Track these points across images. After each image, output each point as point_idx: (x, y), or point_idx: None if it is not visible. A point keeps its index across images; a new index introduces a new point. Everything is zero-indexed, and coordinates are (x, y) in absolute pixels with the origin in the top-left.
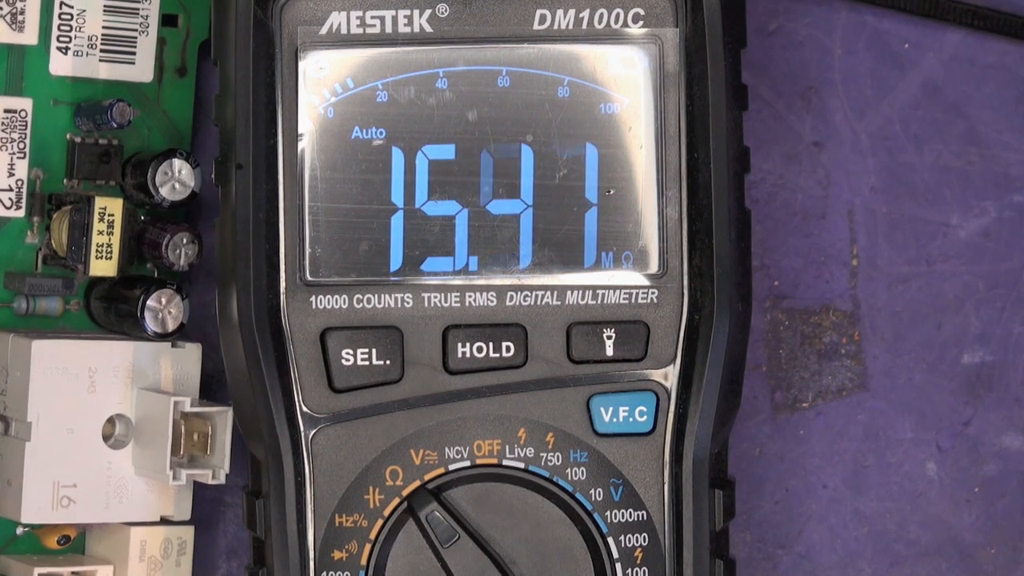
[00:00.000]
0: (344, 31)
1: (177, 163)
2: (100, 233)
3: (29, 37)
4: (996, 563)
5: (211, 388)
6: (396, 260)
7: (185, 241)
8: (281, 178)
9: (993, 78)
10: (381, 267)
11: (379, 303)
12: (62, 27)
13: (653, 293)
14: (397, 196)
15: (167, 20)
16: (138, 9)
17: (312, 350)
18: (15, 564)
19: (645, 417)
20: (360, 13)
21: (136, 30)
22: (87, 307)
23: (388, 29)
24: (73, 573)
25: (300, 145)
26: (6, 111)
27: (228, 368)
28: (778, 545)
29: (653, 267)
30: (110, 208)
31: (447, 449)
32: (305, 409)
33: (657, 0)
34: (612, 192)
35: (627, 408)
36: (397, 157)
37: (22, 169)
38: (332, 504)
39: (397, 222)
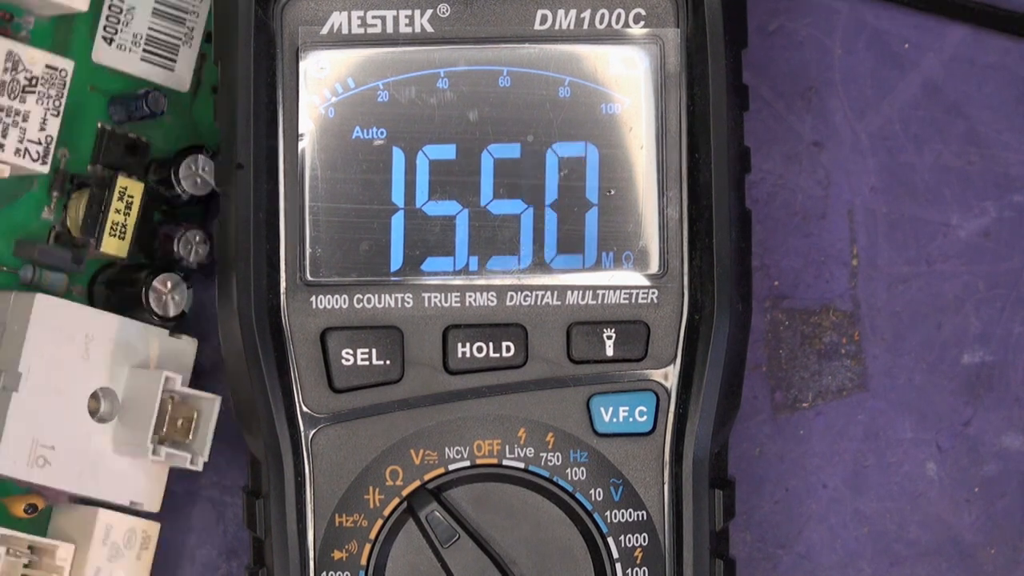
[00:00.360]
0: (345, 31)
1: (202, 159)
2: (117, 212)
3: (81, 3)
4: (996, 563)
5: (199, 386)
6: (396, 260)
7: (198, 239)
8: (282, 178)
9: (993, 78)
10: (381, 267)
11: (379, 303)
12: (110, 18)
13: (653, 293)
14: (398, 196)
15: (211, 37)
16: (185, 19)
17: (312, 350)
18: None
19: (645, 417)
20: (361, 13)
21: (180, 39)
22: (89, 293)
23: (389, 29)
24: (33, 546)
25: (301, 145)
26: (48, 66)
27: (228, 367)
28: (778, 545)
29: (653, 267)
30: (131, 190)
31: (447, 449)
32: (305, 409)
33: (658, 0)
34: (613, 192)
35: (627, 408)
36: (398, 157)
37: (53, 126)
38: (332, 504)
39: (397, 222)
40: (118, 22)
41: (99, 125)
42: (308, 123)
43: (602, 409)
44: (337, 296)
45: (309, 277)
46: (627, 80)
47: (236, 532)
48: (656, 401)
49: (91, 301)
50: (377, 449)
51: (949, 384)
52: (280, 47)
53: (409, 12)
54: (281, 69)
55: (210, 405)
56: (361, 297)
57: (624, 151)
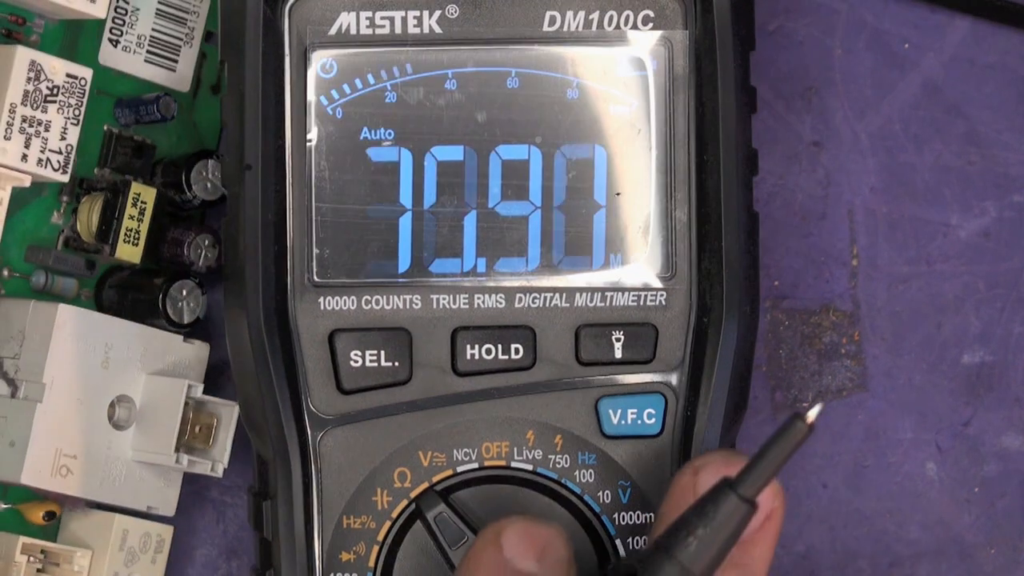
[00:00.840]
0: (353, 31)
1: (212, 164)
2: (131, 218)
3: (99, 10)
4: (996, 563)
5: (207, 389)
6: (404, 261)
7: (207, 243)
8: (289, 179)
9: (993, 78)
10: (389, 268)
11: (387, 304)
12: (116, 20)
13: (662, 295)
14: (405, 197)
15: (209, 36)
16: (186, 19)
17: (320, 351)
18: (2, 536)
19: (653, 419)
20: (369, 14)
21: (182, 39)
22: (97, 297)
23: (397, 30)
24: (51, 552)
25: (308, 146)
26: (68, 75)
27: (235, 369)
28: (778, 545)
29: (662, 269)
30: (144, 196)
31: (455, 451)
32: (313, 410)
33: (667, 2)
34: (620, 194)
35: (635, 410)
36: (405, 158)
37: (73, 135)
38: (340, 505)
39: (405, 223)
40: (123, 23)
41: (105, 128)
42: (316, 124)
43: (610, 411)
44: (345, 297)
45: (317, 278)
46: (635, 82)
47: (236, 532)
48: (664, 403)
49: (99, 305)
50: (385, 451)
51: (949, 384)
52: (288, 47)
53: (417, 13)
54: (289, 69)
55: (228, 412)
56: (369, 299)
57: (632, 153)
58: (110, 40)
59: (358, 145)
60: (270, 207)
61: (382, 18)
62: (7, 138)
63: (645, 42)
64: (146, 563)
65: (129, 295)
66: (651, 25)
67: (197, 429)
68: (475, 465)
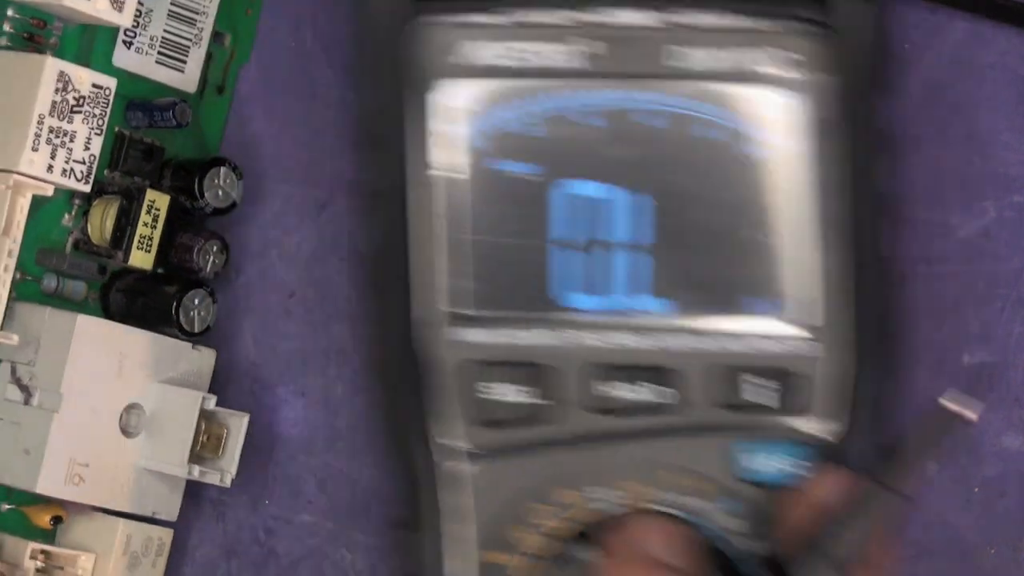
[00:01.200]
0: (489, 62)
1: (224, 171)
2: (145, 225)
3: (125, 19)
4: (996, 563)
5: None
6: (544, 295)
7: (215, 249)
8: (425, 208)
9: (993, 78)
10: (528, 302)
11: (526, 338)
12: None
13: (811, 344)
14: (545, 230)
15: (216, 36)
16: (196, 20)
17: (455, 383)
18: (9, 539)
19: (798, 468)
20: (508, 45)
21: (191, 40)
22: (103, 300)
23: (536, 62)
24: (54, 555)
25: (448, 176)
26: (94, 85)
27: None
28: None
29: (811, 317)
30: (158, 203)
31: (592, 489)
32: (447, 443)
33: (812, 45)
34: (766, 237)
35: (780, 459)
36: (545, 191)
37: (96, 146)
38: (476, 541)
39: (544, 257)
40: (137, 25)
41: (116, 130)
42: (454, 153)
43: (753, 458)
44: (483, 330)
45: (454, 309)
46: (782, 124)
47: (236, 532)
48: (808, 453)
49: (105, 309)
50: (520, 487)
51: (949, 384)
52: (419, 75)
53: (554, 47)
54: (421, 97)
55: (238, 422)
56: (507, 331)
57: (779, 196)
58: (124, 42)
59: (496, 176)
60: (405, 236)
61: (518, 50)
62: (35, 149)
63: (791, 84)
64: (147, 567)
65: (139, 301)
66: (798, 68)
67: (206, 439)
68: (614, 505)
